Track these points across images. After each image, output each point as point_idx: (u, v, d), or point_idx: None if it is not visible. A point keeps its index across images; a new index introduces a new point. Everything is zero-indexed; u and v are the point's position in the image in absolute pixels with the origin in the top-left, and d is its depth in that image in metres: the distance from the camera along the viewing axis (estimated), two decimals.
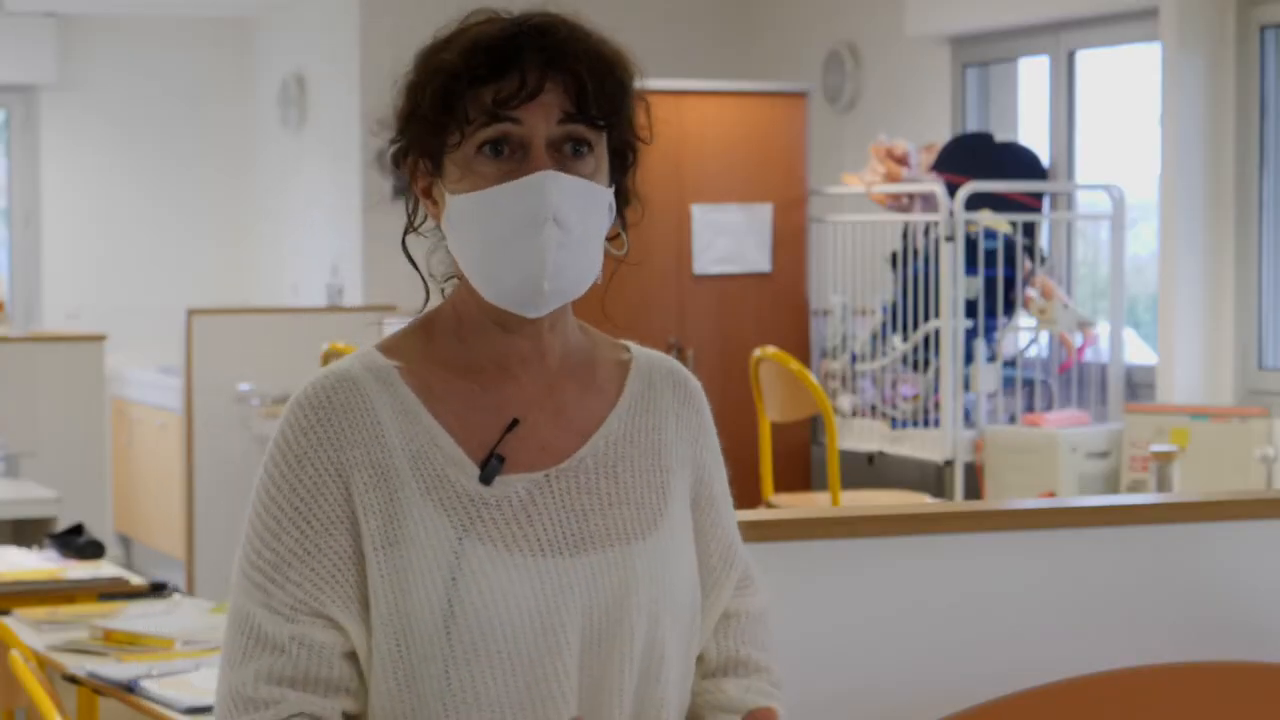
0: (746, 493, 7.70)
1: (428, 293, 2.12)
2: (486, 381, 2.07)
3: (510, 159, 2.01)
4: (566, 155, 2.01)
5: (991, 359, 7.47)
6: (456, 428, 2.04)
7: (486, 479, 2.03)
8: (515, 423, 2.05)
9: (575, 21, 2.05)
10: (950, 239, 7.38)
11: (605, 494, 2.07)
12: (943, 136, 8.45)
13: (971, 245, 7.48)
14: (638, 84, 2.06)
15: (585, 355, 2.13)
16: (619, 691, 2.03)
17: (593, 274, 2.06)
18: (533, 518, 2.03)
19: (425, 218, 2.10)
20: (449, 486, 2.02)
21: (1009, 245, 7.58)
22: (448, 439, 2.04)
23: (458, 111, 2.00)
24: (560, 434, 2.08)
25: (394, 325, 2.17)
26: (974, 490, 7.27)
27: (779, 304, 8.19)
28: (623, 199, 2.10)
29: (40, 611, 4.93)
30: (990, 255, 7.55)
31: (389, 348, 2.09)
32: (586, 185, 2.02)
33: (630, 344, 2.18)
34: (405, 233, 2.11)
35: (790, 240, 8.19)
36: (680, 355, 7.92)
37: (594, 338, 2.16)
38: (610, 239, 2.09)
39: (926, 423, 7.61)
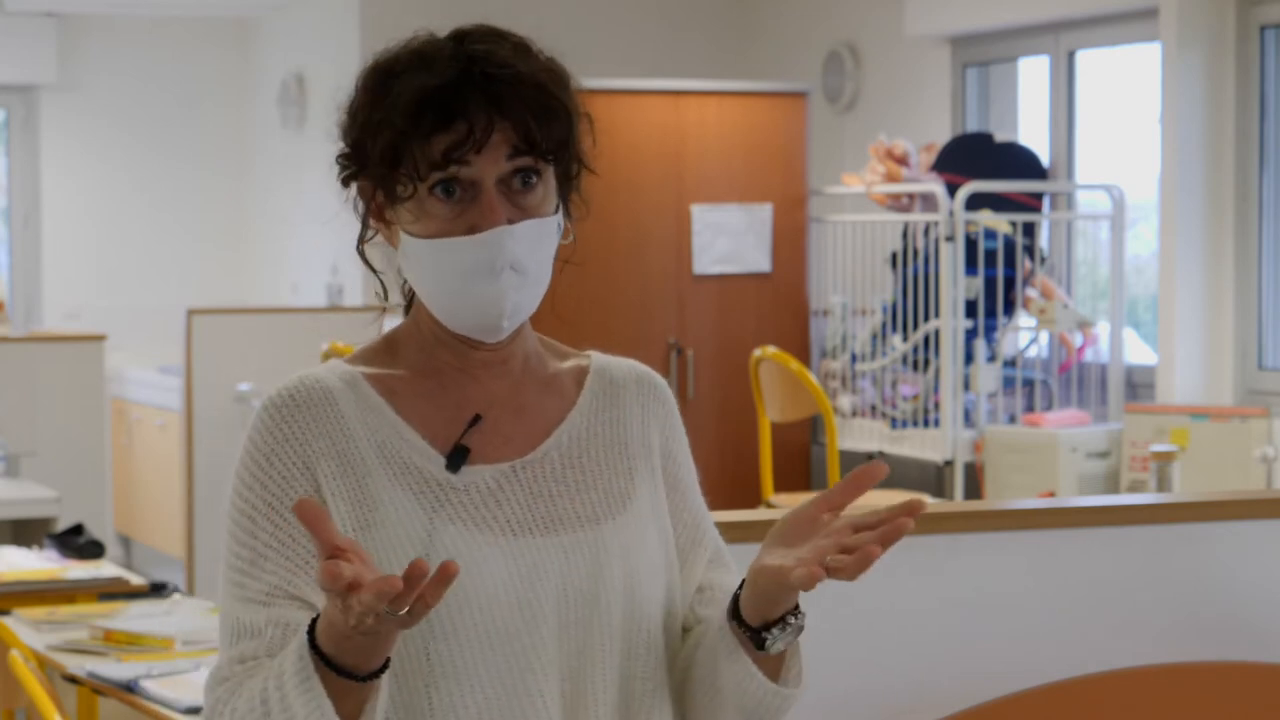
0: (746, 493, 7.72)
1: (386, 296, 2.17)
2: (448, 382, 2.12)
3: (461, 199, 2.05)
4: (515, 189, 2.06)
5: (991, 359, 7.47)
6: (420, 423, 2.10)
7: (453, 467, 2.07)
8: (478, 418, 2.10)
9: (516, 51, 2.07)
10: (950, 239, 7.38)
11: (572, 482, 2.12)
12: (943, 136, 8.45)
13: (971, 245, 7.48)
14: (580, 107, 2.10)
15: (544, 361, 2.19)
16: (603, 664, 2.08)
17: (544, 290, 2.11)
18: (501, 503, 2.08)
19: (376, 233, 2.15)
20: (416, 473, 2.07)
21: (1009, 245, 7.58)
22: (413, 433, 2.09)
23: (407, 165, 2.05)
24: (523, 430, 2.13)
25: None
26: (974, 490, 7.27)
27: (779, 304, 8.19)
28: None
29: (40, 611, 4.93)
30: (990, 255, 7.54)
31: (354, 358, 2.15)
32: (538, 226, 2.06)
33: (592, 352, 2.24)
34: (360, 243, 2.17)
35: (790, 240, 8.19)
36: (680, 355, 7.92)
37: (555, 349, 2.22)
38: None
39: (926, 423, 7.61)
